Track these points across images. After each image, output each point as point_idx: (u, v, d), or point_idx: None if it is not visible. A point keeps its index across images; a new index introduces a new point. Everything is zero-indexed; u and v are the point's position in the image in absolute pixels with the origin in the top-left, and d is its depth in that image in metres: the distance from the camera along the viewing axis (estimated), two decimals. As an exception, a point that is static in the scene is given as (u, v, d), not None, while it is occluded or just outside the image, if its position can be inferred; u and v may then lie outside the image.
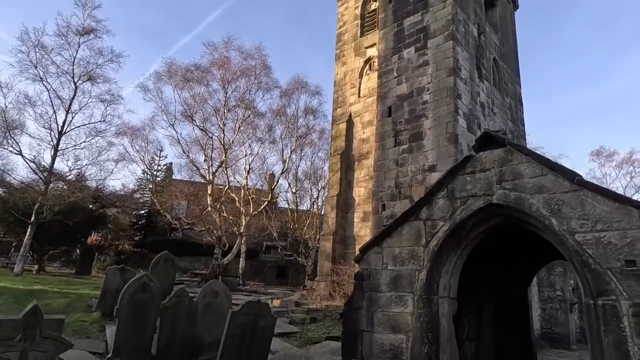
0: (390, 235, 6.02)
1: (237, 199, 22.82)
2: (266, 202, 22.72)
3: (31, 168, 17.04)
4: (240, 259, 26.66)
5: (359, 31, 18.58)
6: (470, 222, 5.43)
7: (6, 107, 17.38)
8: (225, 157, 21.23)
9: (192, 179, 25.83)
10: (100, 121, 17.96)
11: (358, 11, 18.93)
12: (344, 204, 16.41)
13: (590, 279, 4.30)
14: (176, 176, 34.80)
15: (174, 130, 20.63)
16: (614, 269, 4.17)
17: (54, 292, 12.56)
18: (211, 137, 21.13)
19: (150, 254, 32.60)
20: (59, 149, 17.03)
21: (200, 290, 8.51)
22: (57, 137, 16.95)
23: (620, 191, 29.81)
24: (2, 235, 28.75)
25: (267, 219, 28.33)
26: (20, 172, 30.71)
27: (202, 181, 23.15)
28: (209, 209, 20.87)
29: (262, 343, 6.27)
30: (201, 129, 20.92)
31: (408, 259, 5.75)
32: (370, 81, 17.18)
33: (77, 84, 17.58)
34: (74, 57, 17.71)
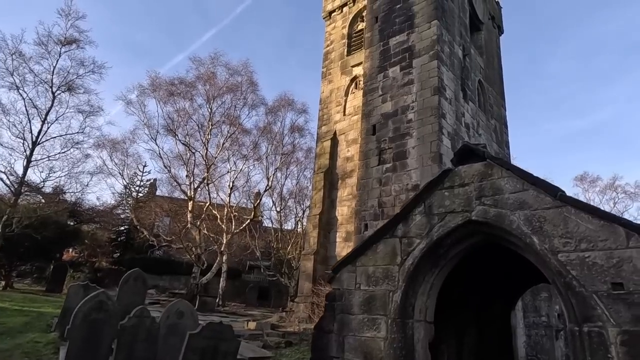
0: (364, 253, 5.63)
1: (219, 216, 22.23)
2: (249, 220, 22.17)
3: (0, 178, 16.36)
4: (221, 279, 25.83)
5: (345, 50, 18.60)
6: (449, 240, 5.08)
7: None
8: (208, 173, 20.76)
9: (171, 195, 25.21)
10: (78, 132, 17.42)
11: (345, 31, 19.00)
12: (327, 223, 16.01)
13: (574, 303, 3.95)
14: (160, 192, 34.11)
15: (156, 144, 20.15)
16: (600, 292, 3.83)
17: (14, 310, 11.79)
18: (194, 153, 20.69)
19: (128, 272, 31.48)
20: (32, 159, 16.42)
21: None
22: (30, 147, 16.37)
23: (604, 217, 29.83)
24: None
25: (251, 238, 27.70)
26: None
27: (184, 197, 22.58)
28: (189, 225, 20.24)
29: (224, 369, 5.75)
30: (184, 144, 20.49)
31: (382, 278, 5.35)
32: (356, 99, 17.07)
33: (56, 93, 17.12)
34: (54, 67, 17.34)
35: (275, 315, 17.19)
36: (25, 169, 16.42)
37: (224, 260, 25.54)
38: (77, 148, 18.10)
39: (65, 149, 16.84)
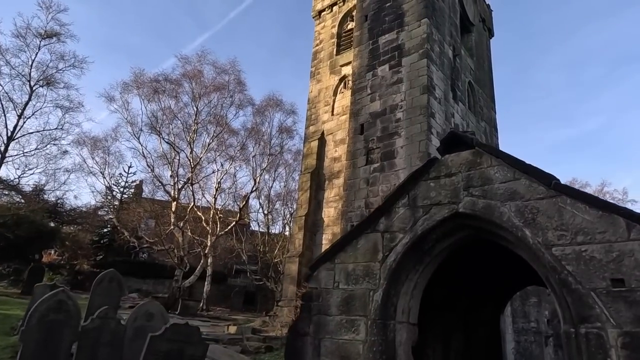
0: (344, 249, 5.21)
1: (203, 218, 21.66)
2: (234, 222, 21.63)
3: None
4: (206, 283, 25.18)
5: (335, 50, 18.28)
6: (434, 234, 4.69)
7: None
8: (192, 173, 20.22)
9: (153, 196, 24.57)
10: (56, 128, 16.79)
11: (335, 30, 18.70)
12: (313, 225, 15.57)
13: (570, 302, 3.57)
14: (145, 193, 33.34)
15: (139, 142, 19.57)
16: (598, 289, 3.46)
17: (-21, 312, 11.13)
18: (178, 153, 20.16)
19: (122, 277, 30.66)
20: (7, 155, 15.77)
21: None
22: (5, 142, 15.72)
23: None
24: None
25: (237, 241, 27.11)
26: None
27: (169, 199, 21.98)
28: (172, 227, 19.66)
29: (190, 376, 5.26)
30: (168, 143, 19.95)
31: (362, 276, 4.94)
32: (345, 99, 16.72)
33: (34, 87, 16.52)
34: (32, 60, 16.73)
35: (259, 319, 16.66)
36: (-1, 164, 15.77)
37: (208, 264, 24.94)
38: (54, 144, 17.46)
39: (42, 145, 16.22)
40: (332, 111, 17.17)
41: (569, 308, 3.61)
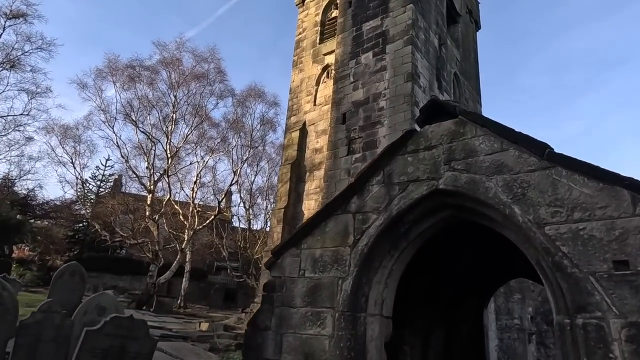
0: (311, 233, 4.64)
1: (181, 212, 20.87)
2: (213, 217, 20.88)
3: None
4: (184, 279, 24.39)
5: (318, 38, 17.68)
6: (411, 215, 4.14)
7: None
8: (169, 164, 19.42)
9: (126, 188, 23.63)
10: (22, 114, 15.83)
11: (318, 18, 18.10)
12: (292, 218, 14.96)
13: (565, 288, 3.05)
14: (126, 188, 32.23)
15: (113, 132, 18.70)
16: (598, 273, 2.95)
17: None
18: (154, 143, 19.31)
19: (86, 272, 29.47)
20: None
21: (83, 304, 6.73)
22: (-36, 127, 14.72)
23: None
24: None
25: (218, 237, 26.33)
26: None
27: (146, 193, 21.10)
28: (147, 220, 18.84)
29: (134, 376, 4.62)
30: (143, 132, 19.10)
31: (331, 263, 4.37)
32: (327, 89, 16.14)
33: (-3, 70, 15.55)
34: (-4, 41, 15.72)
35: (234, 316, 16.01)
36: (-43, 151, 14.76)
37: (187, 260, 24.15)
38: (19, 130, 16.49)
39: (5, 132, 15.26)
40: (315, 101, 16.58)
41: (564, 296, 3.09)
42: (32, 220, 26.49)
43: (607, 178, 3.09)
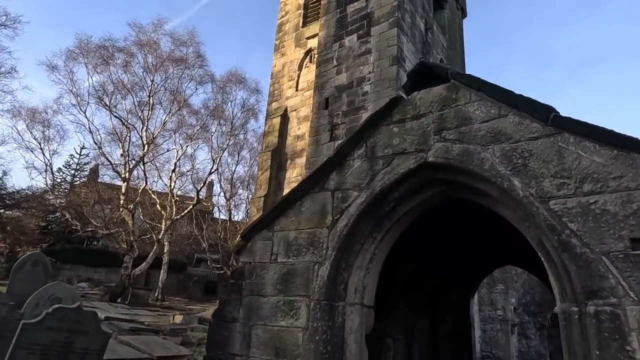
0: (285, 213, 4.14)
1: (158, 201, 20.11)
2: (192, 206, 20.19)
3: None
4: (161, 271, 23.65)
5: (301, 21, 17.06)
6: (396, 192, 3.68)
7: None
8: (145, 151, 18.62)
9: (101, 173, 22.71)
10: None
11: (302, 0, 17.46)
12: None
13: (574, 271, 2.63)
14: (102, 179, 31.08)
15: (85, 116, 17.78)
16: (613, 253, 2.53)
17: None
18: (129, 129, 18.45)
19: (59, 264, 28.49)
20: None
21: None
22: None
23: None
24: None
25: (198, 228, 25.60)
26: None
27: (119, 181, 20.21)
28: (121, 209, 18.06)
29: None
30: (117, 117, 18.23)
31: (306, 246, 3.89)
32: (310, 74, 15.57)
33: (-44, 48, 14.45)
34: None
35: (211, 308, 15.43)
36: None
37: (165, 251, 23.43)
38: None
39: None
40: (297, 86, 16.01)
41: (571, 280, 2.67)
42: (1, 211, 25.33)
43: (623, 144, 2.67)
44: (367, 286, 3.81)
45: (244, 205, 27.48)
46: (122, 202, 18.17)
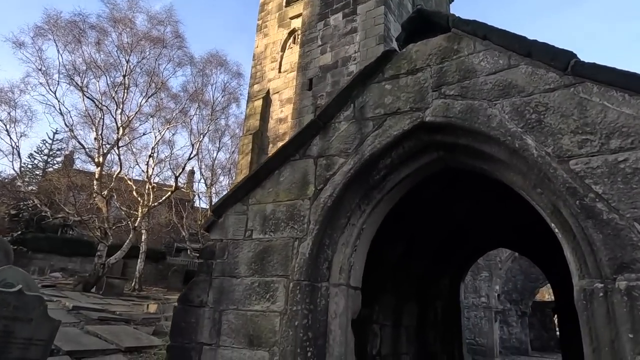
0: (261, 184, 3.65)
1: (134, 188, 19.31)
2: (170, 193, 19.46)
3: None
4: (139, 260, 22.88)
5: (284, 0, 16.40)
6: (388, 158, 3.23)
7: None
8: (120, 135, 17.76)
9: (73, 157, 21.74)
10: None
11: (285, -21, 16.77)
12: (254, 193, 13.90)
13: (599, 240, 2.23)
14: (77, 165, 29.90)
15: (55, 97, 16.81)
16: (647, 218, 2.14)
17: None
18: (102, 110, 17.54)
19: (30, 253, 27.37)
20: None
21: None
22: None
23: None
24: None
25: (177, 216, 24.84)
26: None
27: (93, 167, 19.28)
28: (94, 195, 17.24)
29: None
30: (90, 98, 17.29)
31: (285, 220, 3.41)
32: (293, 55, 15.00)
33: None
34: None
35: (190, 297, 14.88)
36: None
37: (142, 240, 22.66)
38: None
39: None
40: (279, 68, 15.42)
41: (594, 252, 2.28)
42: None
43: (658, 91, 2.26)
44: (354, 265, 3.37)
45: (225, 193, 26.73)
46: (95, 188, 17.33)
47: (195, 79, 20.52)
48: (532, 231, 4.85)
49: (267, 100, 15.06)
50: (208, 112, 20.84)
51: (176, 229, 24.47)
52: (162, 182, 25.10)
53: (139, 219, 18.68)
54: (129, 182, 19.87)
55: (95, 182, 17.46)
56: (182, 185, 20.14)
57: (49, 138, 29.53)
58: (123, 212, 18.97)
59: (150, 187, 19.25)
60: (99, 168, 17.70)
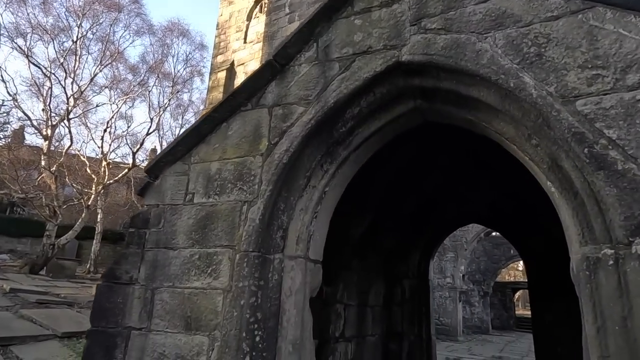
0: (205, 139, 3.06)
1: (88, 164, 18.06)
2: (127, 170, 18.35)
3: None
4: (94, 241, 21.71)
5: (251, -34, 15.42)
6: (356, 107, 2.71)
7: None
8: (70, 106, 16.42)
9: (18, 130, 20.17)
10: None
11: (252, -58, 15.75)
12: (216, 169, 13.17)
13: (612, 196, 1.81)
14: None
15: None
16: (673, 167, 1.72)
17: None
18: (50, 79, 16.13)
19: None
20: None
21: None
22: None
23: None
24: None
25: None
26: None
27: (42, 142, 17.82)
28: (41, 170, 15.95)
29: None
30: (36, 65, 15.84)
31: (233, 181, 2.85)
32: (260, 25, 14.16)
33: None
34: None
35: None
36: None
37: (98, 220, 21.46)
38: None
39: None
40: (245, 38, 14.55)
41: (602, 212, 1.87)
42: None
43: (687, 14, 1.84)
44: (314, 235, 2.86)
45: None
46: (43, 163, 16.01)
47: (155, 48, 19.24)
48: (510, 201, 4.52)
49: (231, 72, 14.22)
50: (169, 85, 19.65)
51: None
52: (120, 161, 23.82)
53: (92, 197, 17.51)
54: (82, 157, 18.57)
55: (42, 156, 16.14)
56: (140, 163, 18.98)
57: (-6, 110, 27.21)
58: (74, 190, 17.73)
59: (105, 163, 18.05)
60: (47, 142, 16.37)
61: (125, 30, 18.23)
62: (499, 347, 14.13)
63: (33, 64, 15.73)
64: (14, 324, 6.34)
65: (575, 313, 4.81)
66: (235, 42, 14.76)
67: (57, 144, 18.38)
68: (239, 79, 14.09)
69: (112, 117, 18.64)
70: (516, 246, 5.30)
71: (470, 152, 3.80)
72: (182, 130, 24.95)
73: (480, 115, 2.46)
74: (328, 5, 2.84)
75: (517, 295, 27.12)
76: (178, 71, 19.96)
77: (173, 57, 19.86)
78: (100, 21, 17.21)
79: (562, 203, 2.13)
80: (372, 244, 4.84)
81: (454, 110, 2.59)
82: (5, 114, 28.85)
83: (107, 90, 19.53)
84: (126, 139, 19.66)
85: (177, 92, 19.48)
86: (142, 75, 19.32)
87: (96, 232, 21.68)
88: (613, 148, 1.83)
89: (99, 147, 19.47)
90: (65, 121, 16.54)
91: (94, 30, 16.88)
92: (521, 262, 31.58)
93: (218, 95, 14.06)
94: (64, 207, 17.13)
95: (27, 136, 23.91)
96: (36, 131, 16.91)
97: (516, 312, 26.05)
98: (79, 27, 16.90)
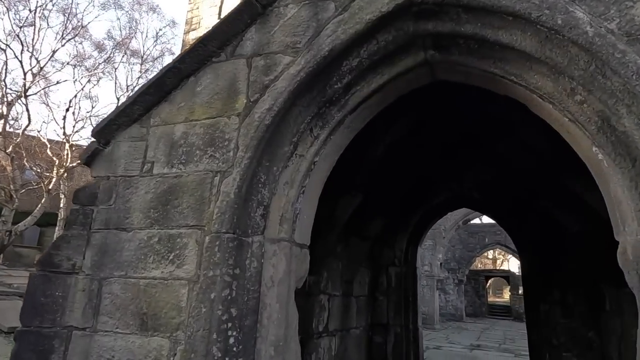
0: (168, 97, 2.51)
1: (49, 145, 16.90)
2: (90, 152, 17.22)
3: None
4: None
5: (227, -63, 14.51)
6: (355, 57, 2.21)
7: None
8: (28, 83, 15.21)
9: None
10: None
11: None
12: (187, 152, 12.43)
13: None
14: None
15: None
16: None
17: None
18: (5, 52, 14.86)
19: None
20: None
21: None
22: None
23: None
24: None
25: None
26: None
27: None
28: (-5, 152, 14.74)
29: None
30: (-12, 36, 14.50)
31: (202, 147, 2.32)
32: None
33: None
34: None
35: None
36: None
37: (61, 206, 20.25)
38: None
39: None
40: (219, 13, 13.69)
41: (677, 180, 1.45)
42: None
43: None
44: (301, 214, 2.37)
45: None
46: (-3, 143, 14.81)
47: (122, 23, 18.05)
48: (506, 182, 4.16)
49: (204, 50, 13.40)
50: (138, 62, 18.55)
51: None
52: (85, 144, 22.50)
53: (54, 181, 16.41)
54: (42, 139, 17.36)
55: (-4, 136, 14.92)
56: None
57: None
58: (34, 173, 16.57)
59: (68, 146, 16.92)
60: (2, 120, 15.13)
61: (89, 3, 16.96)
62: (476, 335, 14.16)
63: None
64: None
65: (572, 303, 4.51)
66: (209, 18, 13.89)
67: (13, 122, 17.05)
68: (213, 57, 13.35)
69: (75, 96, 17.46)
70: (510, 233, 4.99)
71: (474, 123, 3.39)
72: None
73: (509, 67, 2.01)
74: None
75: (488, 282, 27.57)
76: (147, 49, 18.86)
77: (142, 33, 18.69)
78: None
79: (614, 172, 1.72)
80: (358, 228, 4.41)
81: (474, 62, 2.13)
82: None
83: (69, 67, 18.28)
84: (91, 120, 18.44)
85: (146, 70, 18.37)
86: (109, 52, 18.15)
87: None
88: (699, 97, 1.42)
89: (61, 127, 18.29)
90: (23, 99, 15.32)
91: (55, 1, 15.59)
92: (491, 252, 32.03)
93: (190, 73, 13.27)
94: (22, 191, 15.98)
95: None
96: (-11, 108, 15.56)
97: (488, 300, 26.49)
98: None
